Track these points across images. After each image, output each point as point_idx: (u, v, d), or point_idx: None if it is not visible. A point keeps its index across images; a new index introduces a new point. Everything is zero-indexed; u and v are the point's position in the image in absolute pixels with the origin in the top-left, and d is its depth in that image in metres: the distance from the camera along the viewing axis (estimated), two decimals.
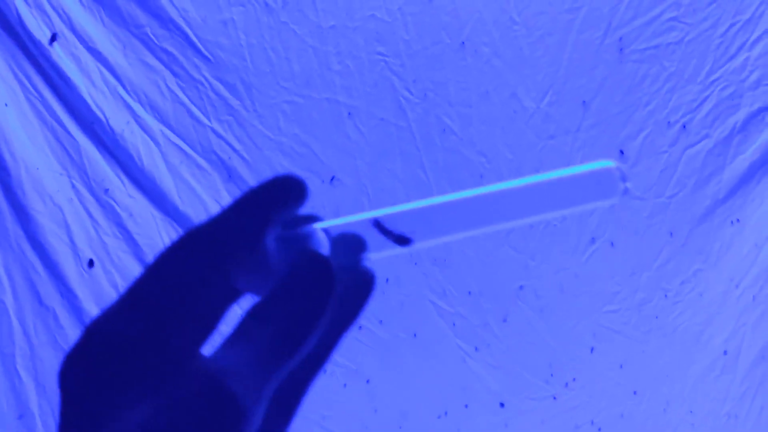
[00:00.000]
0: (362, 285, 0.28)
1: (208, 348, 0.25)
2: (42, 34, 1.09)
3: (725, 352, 1.23)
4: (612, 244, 1.23)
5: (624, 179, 0.26)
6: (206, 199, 1.17)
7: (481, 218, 0.27)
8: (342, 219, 0.27)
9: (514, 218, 0.27)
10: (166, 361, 0.23)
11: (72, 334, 1.14)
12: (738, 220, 1.22)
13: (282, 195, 0.26)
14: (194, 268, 0.24)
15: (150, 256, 1.16)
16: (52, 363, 1.13)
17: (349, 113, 1.16)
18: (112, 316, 0.24)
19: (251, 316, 0.25)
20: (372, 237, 0.27)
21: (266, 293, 0.25)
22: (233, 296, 0.26)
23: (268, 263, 0.26)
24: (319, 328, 0.24)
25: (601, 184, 0.26)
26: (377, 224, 0.27)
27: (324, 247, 0.27)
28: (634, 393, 1.24)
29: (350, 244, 0.27)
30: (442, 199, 0.27)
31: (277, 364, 0.24)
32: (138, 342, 0.23)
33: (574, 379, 1.24)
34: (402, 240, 0.27)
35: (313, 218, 0.28)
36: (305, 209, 0.27)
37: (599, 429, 1.24)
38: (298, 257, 0.25)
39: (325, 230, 0.27)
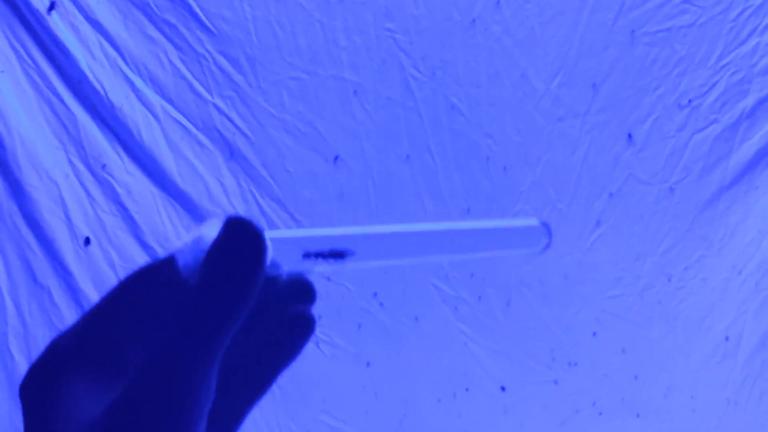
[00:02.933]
0: (301, 329, 0.28)
1: None
2: (40, 3, 1.05)
3: (727, 339, 1.24)
4: (616, 229, 1.22)
5: (549, 235, 0.28)
6: (207, 177, 1.14)
7: (413, 250, 0.28)
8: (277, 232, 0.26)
9: (442, 253, 0.29)
10: (121, 374, 0.24)
11: (67, 313, 1.11)
12: (742, 207, 1.22)
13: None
14: (155, 292, 0.25)
15: (148, 235, 1.14)
16: (46, 343, 1.10)
17: (355, 91, 1.14)
18: (74, 332, 0.25)
19: None
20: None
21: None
22: None
23: None
24: (248, 298, 0.23)
25: (529, 236, 0.29)
26: (308, 255, 0.26)
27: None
28: (635, 378, 1.24)
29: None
30: (375, 229, 0.27)
31: (208, 336, 0.23)
32: (97, 357, 0.25)
33: (575, 364, 1.24)
34: (336, 254, 0.26)
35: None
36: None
37: (600, 413, 1.24)
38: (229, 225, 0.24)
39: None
